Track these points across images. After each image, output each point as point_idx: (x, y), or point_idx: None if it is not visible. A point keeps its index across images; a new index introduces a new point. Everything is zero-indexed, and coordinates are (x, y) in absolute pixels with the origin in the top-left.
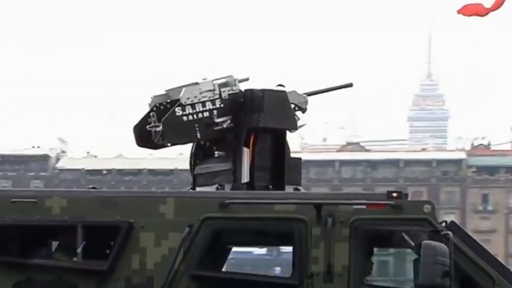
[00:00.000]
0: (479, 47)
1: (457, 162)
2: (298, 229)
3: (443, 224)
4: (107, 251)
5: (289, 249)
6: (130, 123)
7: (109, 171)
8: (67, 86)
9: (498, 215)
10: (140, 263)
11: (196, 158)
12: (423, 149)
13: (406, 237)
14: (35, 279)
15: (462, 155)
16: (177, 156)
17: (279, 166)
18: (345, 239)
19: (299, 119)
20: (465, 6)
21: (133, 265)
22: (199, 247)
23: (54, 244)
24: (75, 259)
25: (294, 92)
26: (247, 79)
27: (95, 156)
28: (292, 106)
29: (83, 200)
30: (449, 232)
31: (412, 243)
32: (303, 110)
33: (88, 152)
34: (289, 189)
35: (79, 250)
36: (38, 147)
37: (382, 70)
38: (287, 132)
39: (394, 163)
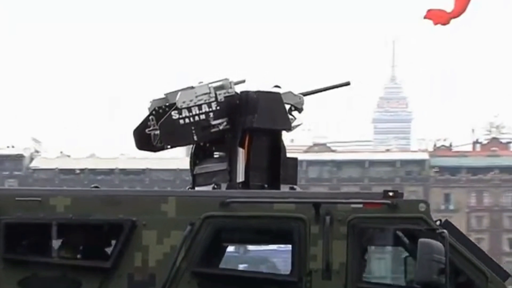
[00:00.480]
0: (441, 50)
1: (420, 163)
2: (297, 228)
3: (438, 223)
4: (110, 249)
5: (256, 248)
6: (103, 124)
7: (82, 170)
8: (41, 85)
9: (459, 214)
10: (143, 261)
11: (196, 158)
12: (387, 150)
13: (402, 235)
14: (40, 276)
15: (425, 156)
16: (148, 156)
17: (274, 166)
18: (343, 237)
19: (295, 118)
20: (429, 11)
21: (136, 263)
22: (200, 245)
23: (58, 241)
24: (78, 256)
25: (290, 92)
26: (243, 81)
27: (68, 156)
28: (288, 106)
29: (86, 198)
30: (445, 231)
31: (407, 241)
32: (300, 110)
33: (61, 152)
34: (284, 188)
35: (82, 247)
36: (13, 146)
37: (348, 73)
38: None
39: (360, 163)
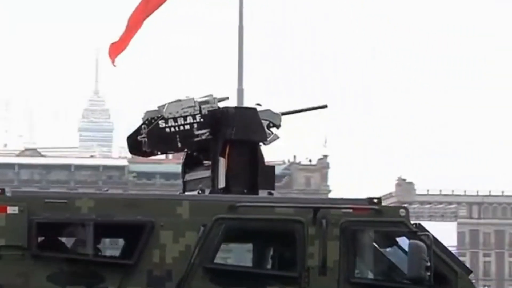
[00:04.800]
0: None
1: (120, 168)
2: (297, 229)
3: (414, 226)
4: (131, 247)
5: None
6: None
7: None
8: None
9: None
10: (160, 258)
11: (186, 167)
12: (92, 156)
13: (385, 237)
14: (67, 271)
15: (124, 162)
16: None
17: (253, 173)
18: (336, 238)
19: (273, 133)
20: (112, 49)
21: (154, 259)
22: (212, 244)
23: (83, 240)
24: (100, 253)
25: (269, 110)
26: (226, 98)
27: None
28: (267, 122)
29: (109, 201)
30: (428, 233)
31: (387, 242)
32: (277, 127)
33: None
34: (263, 193)
35: (105, 246)
36: None
37: (57, 85)
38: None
39: (66, 167)
